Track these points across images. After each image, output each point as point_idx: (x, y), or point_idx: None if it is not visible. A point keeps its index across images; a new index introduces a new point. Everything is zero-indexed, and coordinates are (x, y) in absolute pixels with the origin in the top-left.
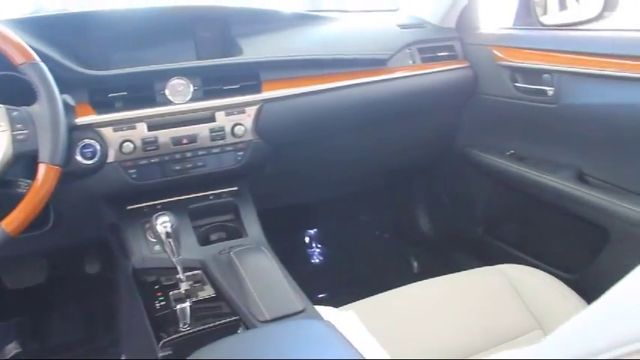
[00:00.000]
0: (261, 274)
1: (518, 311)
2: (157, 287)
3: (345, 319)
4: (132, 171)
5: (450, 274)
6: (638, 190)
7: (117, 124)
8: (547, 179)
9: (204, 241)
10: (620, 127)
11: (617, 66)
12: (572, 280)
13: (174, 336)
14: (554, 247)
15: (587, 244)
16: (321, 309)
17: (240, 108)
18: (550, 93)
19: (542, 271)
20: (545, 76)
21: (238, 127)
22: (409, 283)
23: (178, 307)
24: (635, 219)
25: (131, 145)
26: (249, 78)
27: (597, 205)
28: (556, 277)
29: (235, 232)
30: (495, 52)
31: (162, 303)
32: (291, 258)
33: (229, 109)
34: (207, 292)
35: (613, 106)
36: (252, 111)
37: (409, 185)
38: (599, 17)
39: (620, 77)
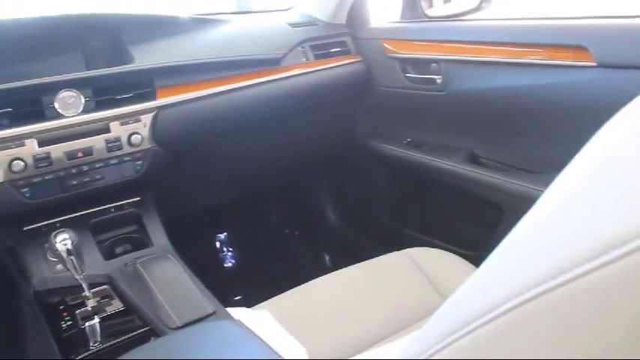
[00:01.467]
0: (169, 281)
1: (425, 292)
2: (62, 307)
3: (258, 318)
4: (25, 190)
5: (359, 263)
6: (525, 166)
7: (3, 143)
8: (443, 163)
9: (109, 254)
10: (503, 109)
11: (496, 52)
12: (474, 256)
13: (85, 355)
14: (455, 228)
15: (484, 221)
16: (234, 310)
17: (135, 117)
18: (439, 81)
19: (446, 252)
20: (433, 65)
21: (135, 136)
22: (322, 276)
23: (87, 324)
24: (525, 194)
25: (22, 163)
26: (142, 85)
27: (490, 184)
28: (459, 255)
29: (140, 242)
30: (385, 45)
31: (68, 323)
32: (203, 263)
33: (124, 119)
34: (116, 306)
35: (495, 90)
36: (147, 119)
37: (314, 181)
38: (478, 8)
39: (499, 62)
